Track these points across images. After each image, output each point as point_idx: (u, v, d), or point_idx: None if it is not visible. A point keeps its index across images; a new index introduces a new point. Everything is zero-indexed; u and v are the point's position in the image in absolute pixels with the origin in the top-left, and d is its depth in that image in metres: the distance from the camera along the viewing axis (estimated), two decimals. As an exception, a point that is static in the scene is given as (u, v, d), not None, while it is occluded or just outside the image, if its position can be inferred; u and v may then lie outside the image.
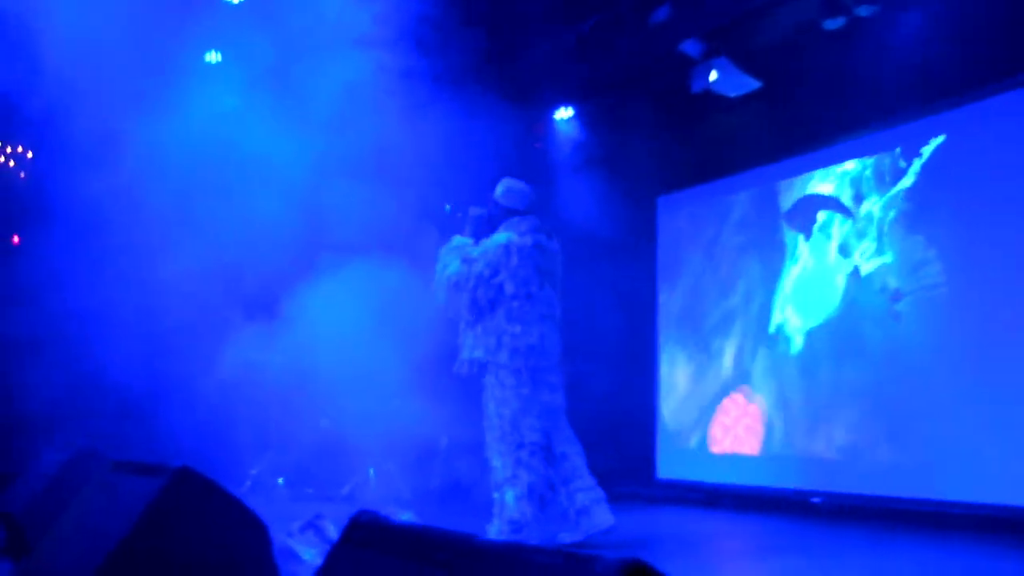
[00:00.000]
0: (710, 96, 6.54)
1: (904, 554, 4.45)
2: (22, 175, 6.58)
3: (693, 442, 7.00)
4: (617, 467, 7.22)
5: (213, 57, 6.08)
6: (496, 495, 4.29)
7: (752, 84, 6.42)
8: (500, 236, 4.38)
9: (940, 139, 5.47)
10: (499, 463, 4.29)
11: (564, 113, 7.56)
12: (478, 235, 4.56)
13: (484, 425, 4.41)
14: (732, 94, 6.53)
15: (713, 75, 6.32)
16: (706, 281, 7.10)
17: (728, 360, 6.84)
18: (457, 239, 4.54)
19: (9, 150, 6.53)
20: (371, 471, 6.11)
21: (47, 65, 4.79)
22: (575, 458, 4.40)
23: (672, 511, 6.31)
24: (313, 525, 3.61)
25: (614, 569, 1.02)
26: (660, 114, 7.05)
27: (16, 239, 6.61)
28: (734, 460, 6.62)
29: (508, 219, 4.48)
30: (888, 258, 5.65)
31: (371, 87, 4.77)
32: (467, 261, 4.35)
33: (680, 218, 7.45)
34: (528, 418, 4.27)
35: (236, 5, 5.75)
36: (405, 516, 4.64)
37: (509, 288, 4.25)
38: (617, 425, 7.14)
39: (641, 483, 7.15)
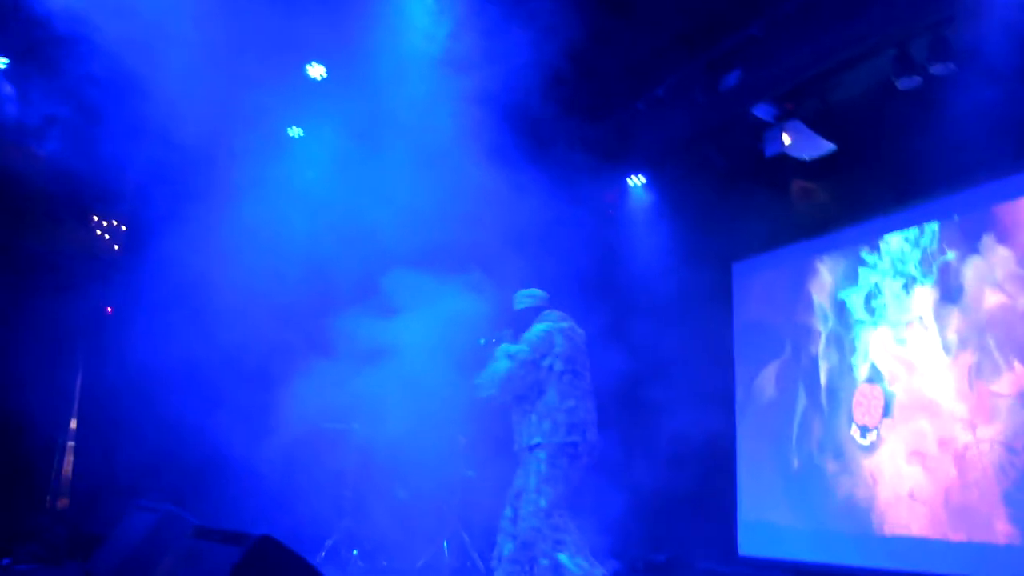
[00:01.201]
0: (785, 159, 6.47)
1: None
2: (116, 247, 6.91)
3: (777, 517, 6.71)
4: (696, 541, 6.98)
5: (296, 131, 6.33)
6: (545, 562, 4.15)
7: (827, 147, 6.34)
8: (538, 326, 4.53)
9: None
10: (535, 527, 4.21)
11: (638, 179, 7.58)
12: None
13: (520, 497, 4.34)
14: (806, 157, 6.46)
15: (786, 139, 6.27)
16: (784, 350, 6.92)
17: (811, 430, 6.61)
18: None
19: (105, 223, 6.89)
20: (445, 544, 6.01)
21: (138, 147, 5.04)
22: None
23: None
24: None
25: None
26: (734, 177, 7.00)
27: (109, 310, 6.90)
28: (819, 536, 6.32)
29: (536, 316, 4.63)
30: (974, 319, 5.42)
31: (454, 149, 4.92)
32: (511, 356, 4.42)
33: (756, 283, 7.31)
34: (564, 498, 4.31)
35: (319, 81, 5.98)
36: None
37: (558, 366, 4.39)
38: (696, 500, 6.92)
39: (721, 559, 6.87)
